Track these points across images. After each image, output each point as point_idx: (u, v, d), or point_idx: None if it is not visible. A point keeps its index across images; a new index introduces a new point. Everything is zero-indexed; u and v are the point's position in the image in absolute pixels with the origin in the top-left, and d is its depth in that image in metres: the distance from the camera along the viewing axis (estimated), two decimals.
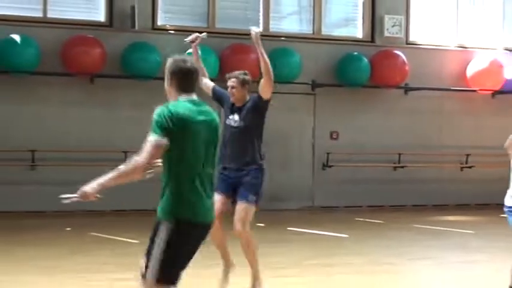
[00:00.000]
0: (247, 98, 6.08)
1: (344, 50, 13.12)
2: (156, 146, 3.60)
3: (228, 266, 5.99)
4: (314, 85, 13.02)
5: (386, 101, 13.48)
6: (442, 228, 10.89)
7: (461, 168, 13.78)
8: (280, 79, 12.51)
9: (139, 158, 3.61)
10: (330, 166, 13.04)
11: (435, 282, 7.18)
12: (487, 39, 14.46)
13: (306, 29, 13.49)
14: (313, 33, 13.41)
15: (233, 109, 6.11)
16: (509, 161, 6.44)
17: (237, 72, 6.18)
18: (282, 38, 13.00)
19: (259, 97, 6.02)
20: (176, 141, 3.64)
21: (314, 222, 11.32)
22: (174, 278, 3.71)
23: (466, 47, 14.16)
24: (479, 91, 13.83)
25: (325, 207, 12.85)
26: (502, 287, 6.29)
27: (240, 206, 5.75)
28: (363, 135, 13.24)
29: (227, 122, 6.07)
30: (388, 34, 13.54)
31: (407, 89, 13.44)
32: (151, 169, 3.67)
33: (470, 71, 13.77)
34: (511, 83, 13.82)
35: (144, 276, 3.71)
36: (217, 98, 6.32)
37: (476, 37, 14.39)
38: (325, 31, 13.49)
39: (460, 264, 8.05)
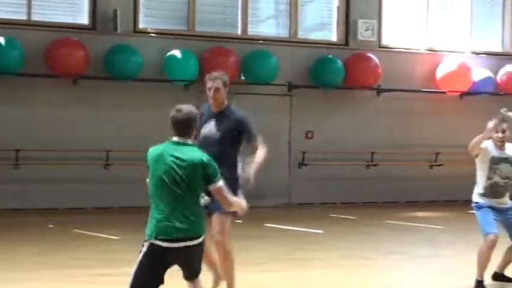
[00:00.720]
0: (226, 102, 5.66)
1: (319, 53, 13.16)
2: None
3: (217, 275, 5.73)
4: (290, 86, 13.04)
5: (359, 102, 13.54)
6: (412, 224, 10.96)
7: (431, 166, 13.88)
8: (258, 81, 12.57)
9: None
10: (306, 165, 13.07)
11: (406, 275, 7.25)
12: (455, 43, 14.57)
13: (282, 32, 13.51)
14: (290, 36, 13.43)
15: (210, 115, 5.67)
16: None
17: (217, 73, 5.73)
18: (260, 41, 13.01)
19: (243, 124, 5.63)
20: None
21: (291, 219, 11.34)
22: None
23: (435, 51, 14.26)
24: (448, 92, 13.93)
25: (301, 204, 12.88)
26: (468, 280, 6.39)
27: (215, 219, 5.50)
28: (337, 134, 13.29)
29: (202, 131, 5.59)
30: (361, 38, 13.59)
31: (379, 91, 13.50)
32: None
33: (439, 73, 13.86)
34: (478, 85, 13.93)
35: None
36: None
37: (445, 41, 14.50)
38: (301, 35, 13.52)
39: (428, 258, 8.12)
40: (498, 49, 14.97)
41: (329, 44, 13.61)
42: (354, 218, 11.71)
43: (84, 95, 11.73)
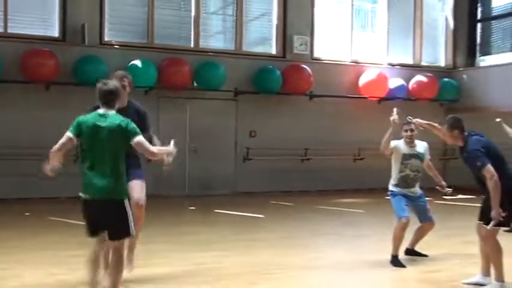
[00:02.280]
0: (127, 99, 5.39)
1: (261, 64, 13.20)
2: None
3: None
4: (236, 92, 13.04)
5: (295, 106, 13.64)
6: (339, 209, 11.10)
7: (354, 159, 14.09)
8: (208, 87, 12.54)
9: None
10: (250, 159, 13.10)
11: (334, 251, 7.37)
12: (374, 56, 14.84)
13: (229, 46, 13.50)
14: (236, 49, 13.43)
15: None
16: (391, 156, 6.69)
17: (122, 73, 5.57)
18: (210, 53, 12.97)
19: (144, 115, 5.50)
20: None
21: (237, 206, 11.35)
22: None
23: (358, 63, 14.47)
24: (368, 98, 14.17)
25: (246, 193, 12.92)
26: (386, 255, 6.55)
27: (136, 184, 5.31)
28: (277, 133, 13.37)
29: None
30: (296, 51, 13.70)
31: (312, 96, 13.62)
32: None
33: (361, 82, 14.08)
34: (394, 91, 14.22)
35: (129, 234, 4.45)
36: None
37: (366, 55, 14.74)
38: (246, 48, 13.53)
39: (353, 237, 8.27)
40: (410, 62, 15.32)
41: (269, 56, 13.67)
42: (290, 204, 11.79)
43: (55, 99, 11.48)
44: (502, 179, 5.28)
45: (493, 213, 5.29)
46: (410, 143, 6.60)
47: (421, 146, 6.67)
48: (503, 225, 5.47)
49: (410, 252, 6.80)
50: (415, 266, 6.49)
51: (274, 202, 11.88)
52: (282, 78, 13.05)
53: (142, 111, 5.52)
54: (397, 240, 6.41)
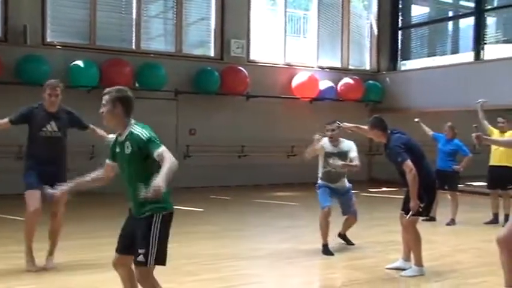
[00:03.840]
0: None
1: (200, 65, 13.12)
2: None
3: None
4: (176, 92, 12.91)
5: (232, 106, 13.64)
6: (274, 202, 11.19)
7: (288, 156, 14.24)
8: (150, 88, 12.34)
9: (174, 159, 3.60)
10: (190, 156, 13.02)
11: (270, 241, 7.39)
12: (306, 60, 15.02)
13: (170, 48, 13.34)
14: (176, 51, 13.29)
15: (49, 117, 5.45)
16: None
17: (55, 82, 5.58)
18: (151, 55, 12.77)
19: (74, 115, 5.63)
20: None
21: (178, 200, 11.16)
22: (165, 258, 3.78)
23: (291, 66, 14.62)
24: (301, 98, 14.33)
25: (187, 188, 12.79)
26: (317, 245, 6.64)
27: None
28: (215, 131, 13.33)
29: (43, 130, 5.40)
30: (233, 54, 13.69)
31: (248, 96, 13.65)
32: None
33: (294, 83, 14.23)
34: (323, 93, 14.45)
35: (145, 263, 3.62)
36: (23, 121, 5.45)
37: (298, 58, 14.90)
38: (185, 50, 13.41)
39: (287, 228, 8.34)
40: (338, 65, 15.60)
41: (208, 59, 13.60)
42: (228, 198, 11.80)
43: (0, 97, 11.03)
44: (421, 174, 5.46)
45: (411, 204, 5.47)
46: (333, 141, 6.67)
47: (346, 145, 6.68)
48: (422, 215, 5.67)
49: (342, 237, 6.96)
50: (343, 253, 6.62)
51: (213, 196, 11.84)
52: (220, 79, 13.02)
53: (71, 111, 5.68)
54: (324, 229, 6.52)
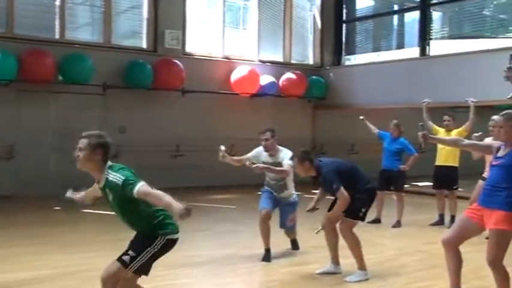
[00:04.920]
0: None
1: (131, 58, 12.89)
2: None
3: None
4: (104, 87, 12.64)
5: (167, 101, 13.49)
6: (213, 205, 11.13)
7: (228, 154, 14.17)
8: (75, 81, 12.01)
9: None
10: (119, 156, 12.75)
11: (209, 247, 7.36)
12: (246, 53, 15.04)
13: (97, 38, 13.03)
14: (104, 42, 13.00)
15: None
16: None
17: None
18: (77, 45, 12.44)
19: None
20: None
21: (104, 204, 10.96)
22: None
23: (230, 59, 14.60)
24: (240, 94, 14.34)
25: None
26: (259, 250, 6.64)
27: None
28: (148, 129, 13.14)
29: None
30: (168, 46, 13.55)
31: (184, 92, 13.54)
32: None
33: (233, 78, 14.22)
34: (265, 88, 14.51)
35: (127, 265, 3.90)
36: None
37: (238, 51, 14.90)
38: (115, 41, 13.15)
39: (227, 233, 8.32)
40: (280, 59, 15.71)
41: (140, 50, 13.40)
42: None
43: None
44: (359, 185, 5.76)
45: (330, 213, 5.80)
46: (268, 151, 6.68)
47: (282, 155, 6.62)
48: (362, 220, 5.86)
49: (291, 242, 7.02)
50: (287, 258, 6.68)
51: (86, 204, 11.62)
52: (153, 73, 12.85)
53: None
54: (264, 233, 6.56)
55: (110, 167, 3.85)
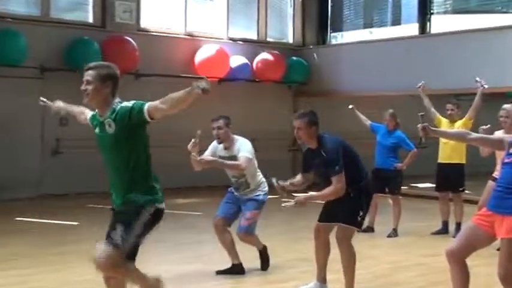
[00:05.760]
0: None
1: (74, 34, 12.76)
2: None
3: None
4: (42, 69, 12.51)
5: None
6: (173, 212, 11.07)
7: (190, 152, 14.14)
8: (6, 62, 11.85)
9: None
10: (60, 152, 12.67)
11: (169, 262, 7.35)
12: (213, 29, 15.00)
13: (33, 11, 12.87)
14: (41, 15, 12.86)
15: None
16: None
17: None
18: (8, 19, 12.28)
19: None
20: None
21: (44, 211, 10.92)
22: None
23: (194, 36, 14.55)
24: (206, 78, 14.25)
25: (56, 195, 12.44)
26: (225, 264, 6.65)
27: None
28: None
29: None
30: (119, 20, 13.46)
31: (138, 75, 13.47)
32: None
33: (198, 59, 14.17)
34: (236, 71, 14.48)
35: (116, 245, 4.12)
36: None
37: (203, 27, 14.85)
38: (54, 14, 13.01)
39: (191, 244, 8.32)
40: (254, 37, 15.71)
41: (84, 25, 13.30)
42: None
43: None
44: (357, 179, 5.68)
45: (302, 197, 5.61)
46: (223, 143, 6.67)
47: (238, 146, 6.60)
48: (359, 226, 5.81)
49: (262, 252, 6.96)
50: (259, 276, 6.69)
51: (92, 206, 11.61)
52: (101, 52, 12.71)
53: None
54: (223, 246, 6.60)
55: (120, 101, 4.22)
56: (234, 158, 6.53)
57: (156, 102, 4.05)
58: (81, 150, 12.76)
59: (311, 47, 16.22)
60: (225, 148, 6.62)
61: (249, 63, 14.74)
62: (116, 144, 4.12)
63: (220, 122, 6.56)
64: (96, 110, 4.31)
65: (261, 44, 15.56)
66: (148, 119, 4.04)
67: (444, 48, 13.07)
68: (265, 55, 14.99)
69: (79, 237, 8.67)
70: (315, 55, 15.89)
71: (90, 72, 4.22)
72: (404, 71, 13.42)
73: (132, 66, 13.25)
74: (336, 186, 5.50)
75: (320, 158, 5.66)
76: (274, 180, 5.79)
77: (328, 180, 5.57)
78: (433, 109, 9.26)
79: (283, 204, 5.58)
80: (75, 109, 5.16)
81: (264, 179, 6.75)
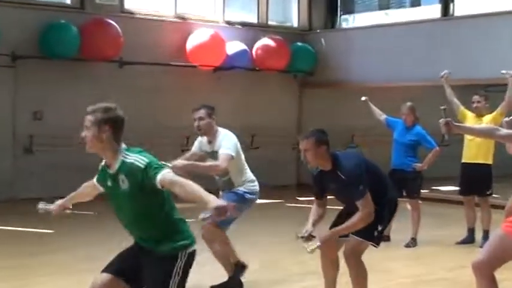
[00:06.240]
0: None
1: (49, 17, 12.74)
2: None
3: None
4: (14, 57, 12.51)
5: (98, 77, 13.38)
6: None
7: (182, 150, 14.06)
8: None
9: None
10: (34, 151, 12.64)
11: None
12: (207, 12, 14.97)
13: None
14: None
15: None
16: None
17: None
18: None
19: None
20: None
21: (15, 217, 10.88)
22: None
23: (185, 19, 14.52)
24: (199, 67, 14.27)
25: (28, 199, 12.36)
26: (220, 276, 6.60)
27: None
28: (72, 114, 12.90)
29: None
30: (100, 1, 13.43)
31: (122, 63, 13.46)
32: None
33: (190, 45, 14.13)
34: (233, 58, 14.43)
35: None
36: None
37: (196, 9, 14.82)
38: None
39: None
40: (253, 20, 15.68)
41: (61, 7, 13.30)
42: (92, 213, 11.54)
43: None
44: (381, 194, 5.59)
45: (328, 235, 5.50)
46: (204, 135, 6.62)
47: (219, 141, 6.50)
48: (375, 242, 5.70)
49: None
50: None
51: (69, 211, 11.51)
52: (80, 37, 12.72)
53: None
54: (215, 255, 6.62)
55: (127, 150, 4.24)
56: (211, 154, 6.52)
57: (172, 179, 3.97)
58: (57, 148, 12.78)
59: (318, 31, 16.18)
60: (209, 142, 6.57)
61: (248, 50, 14.70)
62: (133, 199, 4.17)
63: (202, 112, 6.49)
64: (104, 162, 4.42)
65: (261, 28, 15.52)
66: (159, 186, 4.01)
67: (470, 33, 13.03)
68: (266, 41, 14.94)
69: (52, 248, 8.69)
70: (323, 41, 15.84)
71: (88, 117, 4.34)
72: (424, 59, 13.37)
73: (115, 54, 13.24)
74: (363, 212, 5.38)
75: (338, 182, 5.50)
76: (298, 235, 5.66)
77: (353, 203, 5.46)
78: (455, 99, 9.19)
79: (308, 250, 5.47)
80: (80, 191, 5.37)
81: (252, 178, 6.67)
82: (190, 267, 4.25)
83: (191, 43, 14.13)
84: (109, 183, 4.31)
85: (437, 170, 10.03)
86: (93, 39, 12.83)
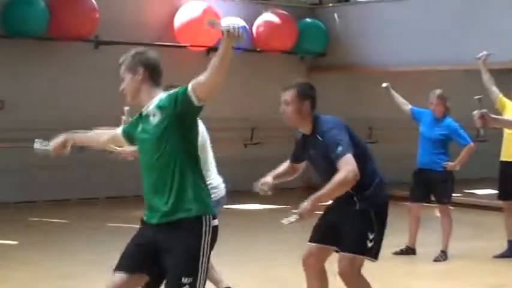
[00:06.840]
0: None
1: None
2: None
3: None
4: None
5: (71, 58, 13.43)
6: (130, 225, 11.01)
7: None
8: None
9: None
10: None
11: None
12: None
13: None
14: None
15: None
16: None
17: None
18: None
19: None
20: None
21: None
22: None
23: None
24: (189, 47, 14.24)
25: None
26: None
27: None
28: (41, 102, 12.99)
29: None
30: None
31: (98, 43, 13.51)
32: None
33: (178, 22, 14.16)
34: None
35: None
36: None
37: None
38: None
39: None
40: None
41: None
42: (64, 221, 11.58)
43: None
44: (368, 178, 5.46)
45: (307, 204, 5.27)
46: None
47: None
48: (370, 255, 5.52)
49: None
50: None
51: (37, 219, 11.65)
52: (49, 13, 12.72)
53: None
54: None
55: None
56: None
57: (201, 78, 4.46)
58: (22, 143, 12.69)
59: (330, 5, 16.22)
60: None
61: (248, 27, 14.67)
62: (160, 137, 4.43)
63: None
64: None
65: (263, 1, 15.49)
66: (196, 102, 4.38)
67: (505, 8, 12.96)
68: (269, 17, 14.96)
69: (14, 261, 8.73)
70: (336, 16, 15.84)
71: (122, 66, 4.84)
72: (455, 39, 13.32)
73: (90, 32, 13.27)
74: (344, 169, 5.17)
75: (316, 146, 5.49)
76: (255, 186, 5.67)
77: (332, 172, 5.27)
78: (494, 88, 9.14)
79: (283, 221, 5.29)
80: (91, 135, 5.63)
81: (216, 182, 6.63)
82: (214, 241, 4.40)
83: (179, 20, 14.15)
84: (139, 129, 4.68)
85: (471, 170, 9.98)
86: (63, 15, 12.83)
